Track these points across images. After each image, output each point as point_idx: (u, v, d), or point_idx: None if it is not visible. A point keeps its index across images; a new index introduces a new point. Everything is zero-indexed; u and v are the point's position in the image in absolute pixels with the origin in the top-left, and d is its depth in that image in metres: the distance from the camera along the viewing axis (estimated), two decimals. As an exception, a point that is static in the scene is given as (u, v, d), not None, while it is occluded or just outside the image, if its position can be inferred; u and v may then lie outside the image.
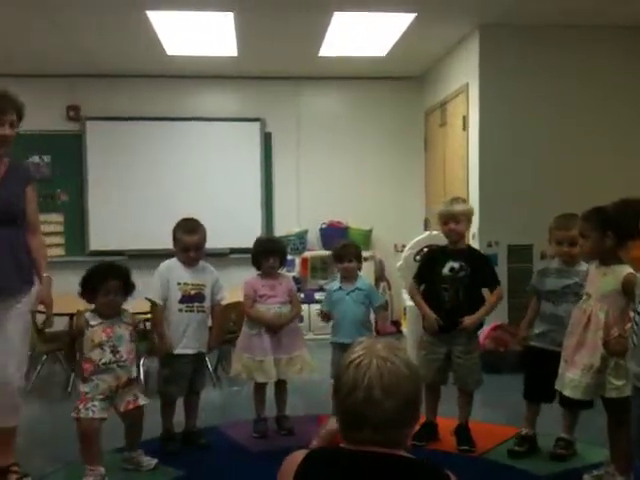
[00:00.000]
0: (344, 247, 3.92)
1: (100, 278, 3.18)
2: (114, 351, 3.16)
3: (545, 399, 3.40)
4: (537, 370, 3.38)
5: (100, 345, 3.14)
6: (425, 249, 4.68)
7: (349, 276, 3.86)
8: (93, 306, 3.24)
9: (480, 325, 3.74)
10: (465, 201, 3.75)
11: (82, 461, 3.17)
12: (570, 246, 3.29)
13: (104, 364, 3.14)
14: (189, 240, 3.58)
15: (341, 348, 3.70)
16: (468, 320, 3.56)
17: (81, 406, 3.10)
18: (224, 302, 3.86)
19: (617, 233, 2.80)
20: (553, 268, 3.43)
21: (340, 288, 3.89)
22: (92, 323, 3.16)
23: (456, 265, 3.60)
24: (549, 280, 3.40)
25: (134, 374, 3.32)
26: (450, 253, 3.67)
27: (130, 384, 3.26)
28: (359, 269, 3.91)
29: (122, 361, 3.19)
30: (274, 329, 3.78)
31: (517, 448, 3.45)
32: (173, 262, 3.66)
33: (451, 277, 3.60)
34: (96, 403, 3.11)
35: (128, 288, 3.26)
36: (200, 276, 3.65)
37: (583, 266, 3.27)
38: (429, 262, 3.81)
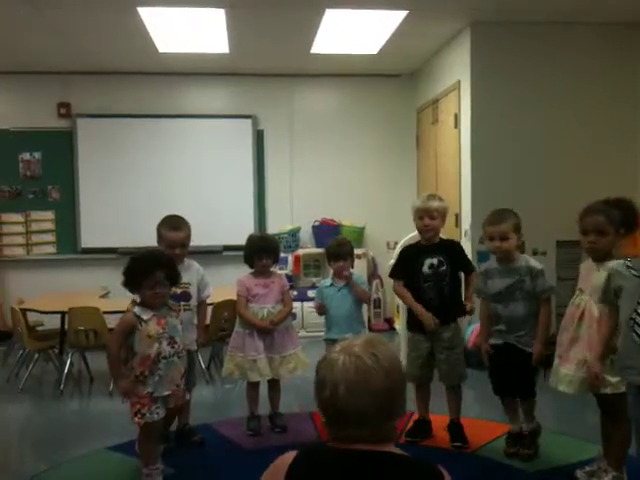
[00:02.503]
0: (338, 246, 3.90)
1: (146, 270, 2.96)
2: (172, 343, 2.99)
3: (510, 392, 3.41)
4: (497, 365, 3.40)
5: (157, 338, 2.94)
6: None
7: (342, 275, 3.86)
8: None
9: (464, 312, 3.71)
10: (442, 199, 3.71)
11: (142, 462, 3.09)
12: (501, 241, 3.30)
13: (164, 358, 2.95)
14: (174, 237, 3.55)
15: (334, 345, 3.69)
16: (470, 304, 3.59)
17: (145, 410, 2.93)
18: (217, 300, 3.84)
19: (626, 230, 2.83)
20: (494, 269, 3.40)
21: (332, 284, 3.91)
22: (145, 317, 2.94)
23: (435, 261, 3.59)
24: (493, 282, 3.38)
25: (186, 365, 3.18)
26: (426, 249, 3.65)
27: (184, 377, 3.12)
28: (352, 266, 3.92)
29: (180, 352, 3.04)
30: (267, 332, 3.79)
31: (511, 450, 3.42)
32: None
33: (432, 274, 3.60)
34: (159, 404, 2.96)
35: (174, 277, 3.09)
36: (186, 275, 3.61)
37: (521, 262, 3.31)
38: (406, 259, 3.77)
